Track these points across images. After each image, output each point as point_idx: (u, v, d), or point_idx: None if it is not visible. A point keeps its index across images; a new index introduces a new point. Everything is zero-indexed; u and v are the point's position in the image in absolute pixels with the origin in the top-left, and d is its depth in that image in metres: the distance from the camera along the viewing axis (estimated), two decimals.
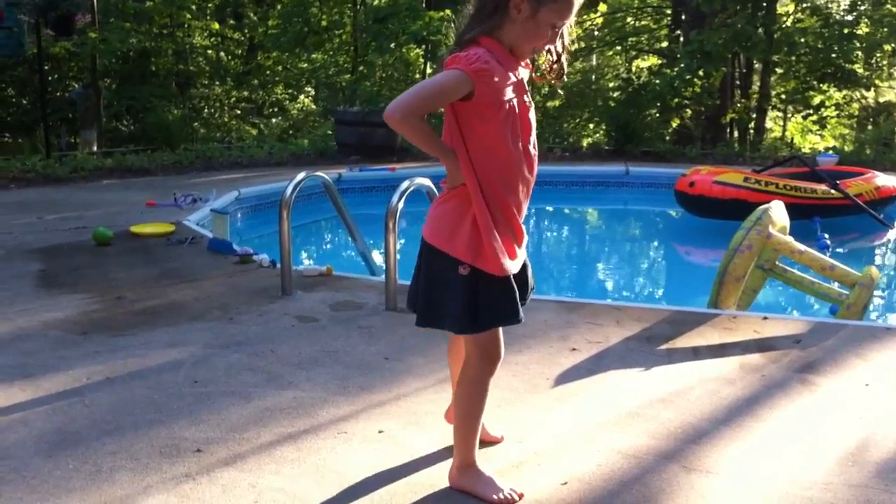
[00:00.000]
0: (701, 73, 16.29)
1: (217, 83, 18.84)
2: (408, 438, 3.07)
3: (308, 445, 3.01)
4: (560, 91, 21.34)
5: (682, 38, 18.30)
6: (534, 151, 2.53)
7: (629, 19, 23.22)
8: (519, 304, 2.53)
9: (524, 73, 2.51)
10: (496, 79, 2.35)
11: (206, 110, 18.51)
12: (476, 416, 2.63)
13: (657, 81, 16.61)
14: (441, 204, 2.54)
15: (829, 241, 8.46)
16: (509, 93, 2.41)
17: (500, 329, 2.57)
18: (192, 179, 11.57)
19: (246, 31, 20.25)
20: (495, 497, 2.58)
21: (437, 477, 2.75)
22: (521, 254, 2.60)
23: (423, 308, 2.58)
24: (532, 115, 2.52)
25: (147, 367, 3.85)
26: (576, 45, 22.25)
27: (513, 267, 2.51)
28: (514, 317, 2.52)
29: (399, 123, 2.33)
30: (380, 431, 3.12)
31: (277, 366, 3.86)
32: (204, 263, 6.17)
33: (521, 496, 2.63)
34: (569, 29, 2.50)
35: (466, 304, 2.45)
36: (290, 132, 18.86)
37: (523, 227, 2.58)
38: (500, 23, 2.38)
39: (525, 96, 2.49)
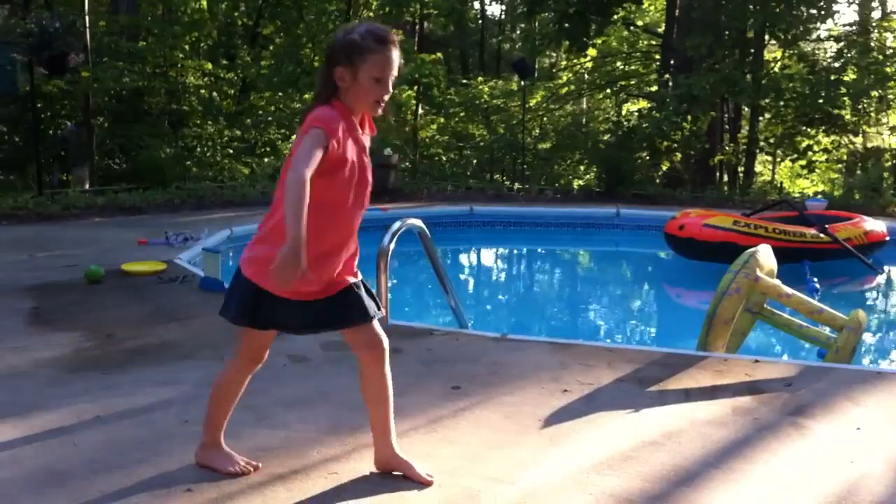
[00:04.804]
0: (689, 116, 16.47)
1: (210, 122, 18.92)
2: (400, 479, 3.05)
3: (299, 486, 2.99)
4: (552, 133, 21.61)
5: (670, 83, 18.51)
6: (367, 203, 2.90)
7: (619, 63, 23.50)
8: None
9: (366, 138, 2.81)
10: (342, 138, 2.66)
11: (198, 149, 18.56)
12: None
13: (646, 125, 16.77)
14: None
15: (818, 285, 8.49)
16: (351, 152, 2.72)
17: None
18: (184, 218, 11.58)
19: (239, 71, 20.39)
20: (231, 468, 3.04)
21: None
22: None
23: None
24: (370, 174, 2.86)
25: (137, 406, 3.83)
26: (566, 89, 22.77)
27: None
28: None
29: (305, 183, 2.49)
30: (372, 472, 3.11)
31: (269, 405, 3.85)
32: (195, 302, 6.17)
33: (256, 468, 3.08)
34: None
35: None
36: None
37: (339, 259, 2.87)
38: (336, 92, 2.72)
39: (364, 156, 2.81)
